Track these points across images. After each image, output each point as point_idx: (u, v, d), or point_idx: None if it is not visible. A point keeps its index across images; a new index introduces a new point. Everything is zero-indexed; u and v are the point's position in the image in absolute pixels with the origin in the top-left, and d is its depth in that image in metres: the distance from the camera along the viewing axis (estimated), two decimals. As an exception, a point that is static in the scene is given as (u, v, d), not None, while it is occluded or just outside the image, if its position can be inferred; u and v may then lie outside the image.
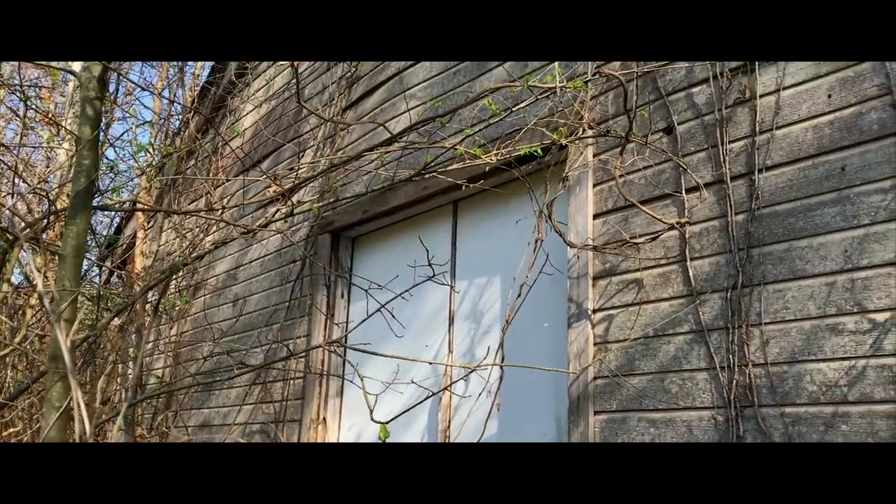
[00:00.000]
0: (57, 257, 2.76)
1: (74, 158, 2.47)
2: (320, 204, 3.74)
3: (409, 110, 4.25)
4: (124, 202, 4.22)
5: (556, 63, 3.02)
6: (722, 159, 2.70)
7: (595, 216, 3.12)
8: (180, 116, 6.30)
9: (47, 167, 8.72)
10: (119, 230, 7.93)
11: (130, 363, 6.26)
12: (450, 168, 3.16)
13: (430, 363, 3.73)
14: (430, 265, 3.07)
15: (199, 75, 6.51)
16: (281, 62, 5.12)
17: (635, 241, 2.88)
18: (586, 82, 2.87)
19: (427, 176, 3.11)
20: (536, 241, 3.23)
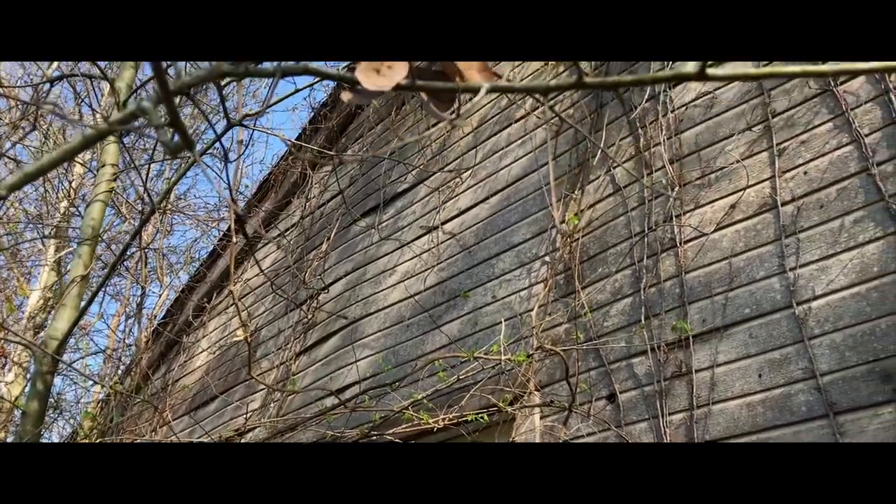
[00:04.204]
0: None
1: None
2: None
3: (356, 361, 4.31)
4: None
5: (502, 333, 3.15)
6: (663, 431, 2.76)
7: (543, 481, 3.09)
8: (132, 352, 6.29)
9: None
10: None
11: None
12: (397, 430, 3.16)
13: None
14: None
15: (155, 316, 6.59)
16: (236, 335, 5.23)
17: (582, 511, 2.85)
18: (529, 356, 2.98)
19: (374, 437, 3.11)
20: (485, 505, 3.17)
